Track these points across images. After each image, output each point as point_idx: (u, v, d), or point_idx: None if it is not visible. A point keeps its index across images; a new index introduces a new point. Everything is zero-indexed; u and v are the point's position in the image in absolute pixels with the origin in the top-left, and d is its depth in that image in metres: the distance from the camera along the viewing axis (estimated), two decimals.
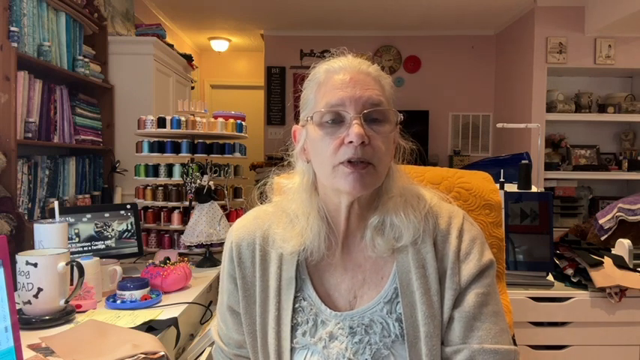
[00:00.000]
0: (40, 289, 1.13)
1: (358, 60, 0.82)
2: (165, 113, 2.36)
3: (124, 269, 1.55)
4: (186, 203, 1.94)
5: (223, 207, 1.95)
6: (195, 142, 2.07)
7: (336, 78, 0.79)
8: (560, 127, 4.38)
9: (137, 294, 1.34)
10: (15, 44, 2.10)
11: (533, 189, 1.82)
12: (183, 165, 1.99)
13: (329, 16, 4.65)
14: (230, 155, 2.09)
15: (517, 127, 2.42)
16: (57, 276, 1.14)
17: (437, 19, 4.71)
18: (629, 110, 4.13)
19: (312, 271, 0.85)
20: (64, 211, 1.55)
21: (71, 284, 1.23)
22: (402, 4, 4.28)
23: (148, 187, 2.00)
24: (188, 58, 3.96)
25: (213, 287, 1.63)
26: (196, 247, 1.94)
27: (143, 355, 0.97)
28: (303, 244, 0.81)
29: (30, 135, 2.27)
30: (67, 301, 1.18)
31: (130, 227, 1.73)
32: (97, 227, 1.65)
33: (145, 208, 2.01)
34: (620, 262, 1.63)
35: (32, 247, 1.26)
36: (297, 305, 0.83)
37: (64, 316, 1.18)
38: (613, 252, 1.73)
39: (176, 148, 2.03)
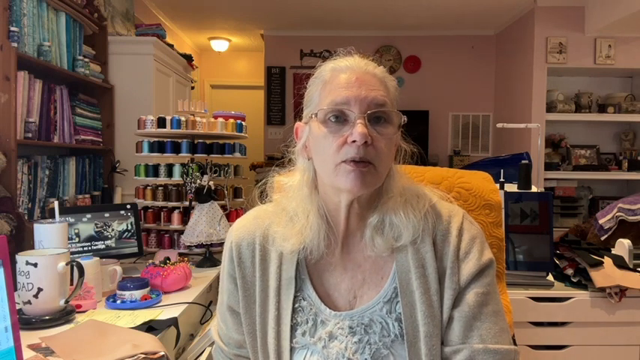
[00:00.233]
0: (40, 289, 1.12)
1: (365, 61, 0.82)
2: (165, 113, 2.36)
3: (124, 269, 1.55)
4: (186, 203, 1.94)
5: (223, 207, 1.95)
6: (195, 142, 2.07)
7: (342, 77, 0.79)
8: (560, 127, 4.38)
9: (137, 294, 1.34)
10: (15, 44, 2.10)
11: (533, 189, 1.82)
12: (183, 165, 1.99)
13: (329, 16, 4.65)
14: (230, 155, 2.09)
15: (517, 127, 2.42)
16: (57, 276, 1.14)
17: (437, 19, 4.71)
18: (629, 110, 4.13)
19: (312, 271, 0.85)
20: (64, 211, 1.55)
21: (71, 284, 1.23)
22: (402, 4, 4.28)
23: (148, 187, 2.00)
24: (188, 58, 3.96)
25: (213, 287, 1.63)
26: (196, 247, 1.94)
27: (143, 355, 0.97)
28: (303, 242, 0.81)
29: (30, 135, 2.27)
30: (67, 301, 1.18)
31: (130, 227, 1.73)
32: (97, 227, 1.65)
33: (145, 208, 2.01)
34: (620, 262, 1.63)
35: (32, 247, 1.26)
36: (296, 305, 0.83)
37: (64, 316, 1.18)
38: (613, 252, 1.73)
39: (176, 148, 2.03)
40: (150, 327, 1.16)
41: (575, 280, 1.61)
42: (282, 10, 4.55)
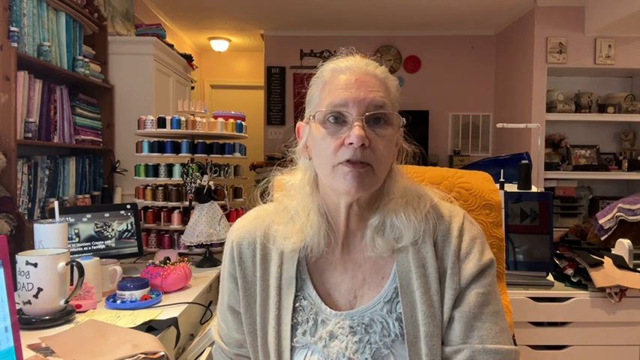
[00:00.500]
0: (40, 289, 1.12)
1: (365, 61, 0.81)
2: (165, 113, 2.36)
3: (124, 269, 1.55)
4: (186, 203, 1.94)
5: (223, 207, 1.95)
6: (195, 142, 2.07)
7: (342, 78, 0.78)
8: (560, 127, 4.38)
9: (137, 294, 1.34)
10: (15, 44, 2.10)
11: (533, 189, 1.82)
12: (183, 165, 1.99)
13: (329, 16, 4.65)
14: (230, 155, 2.09)
15: (517, 127, 2.42)
16: (57, 276, 1.14)
17: (437, 19, 4.71)
18: (629, 110, 4.13)
19: (313, 270, 0.85)
20: (64, 211, 1.55)
21: (71, 284, 1.23)
22: (402, 4, 4.28)
23: (148, 187, 2.00)
24: (188, 58, 3.96)
25: (213, 287, 1.63)
26: (196, 247, 1.94)
27: (143, 355, 0.97)
28: (304, 240, 0.81)
29: (30, 135, 2.27)
30: (67, 301, 1.18)
31: (130, 227, 1.73)
32: (97, 227, 1.65)
33: (145, 208, 2.01)
34: (620, 262, 1.63)
35: (32, 247, 1.26)
36: (297, 304, 0.83)
37: (64, 316, 1.18)
38: (613, 252, 1.73)
39: (176, 148, 2.03)
40: (150, 327, 1.16)
41: (575, 280, 1.61)
42: (282, 10, 4.55)
